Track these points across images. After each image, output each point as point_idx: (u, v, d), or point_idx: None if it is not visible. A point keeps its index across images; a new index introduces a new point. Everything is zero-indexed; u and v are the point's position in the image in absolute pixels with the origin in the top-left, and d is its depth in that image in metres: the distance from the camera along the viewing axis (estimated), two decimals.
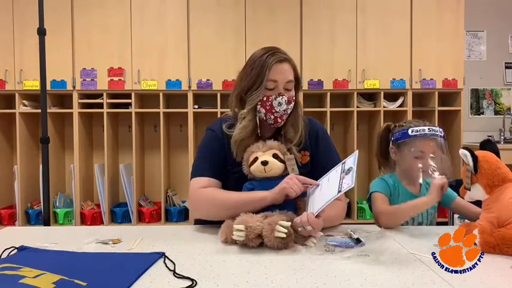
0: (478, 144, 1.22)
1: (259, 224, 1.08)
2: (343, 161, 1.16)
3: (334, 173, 1.16)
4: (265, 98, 1.32)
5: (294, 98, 1.36)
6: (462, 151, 1.14)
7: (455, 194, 1.50)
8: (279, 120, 1.34)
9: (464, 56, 3.67)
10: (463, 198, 1.21)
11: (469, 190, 1.16)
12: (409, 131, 1.42)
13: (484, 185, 1.13)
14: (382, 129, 1.57)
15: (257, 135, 1.36)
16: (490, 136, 3.91)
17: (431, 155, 1.39)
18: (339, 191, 1.08)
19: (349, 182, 1.07)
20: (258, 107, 1.34)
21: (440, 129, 1.42)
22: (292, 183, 1.16)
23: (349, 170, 1.10)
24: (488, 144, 1.20)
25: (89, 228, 1.68)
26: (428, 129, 1.40)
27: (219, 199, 1.29)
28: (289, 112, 1.35)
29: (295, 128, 1.38)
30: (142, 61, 3.43)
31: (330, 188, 1.12)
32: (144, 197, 3.72)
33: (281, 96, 1.31)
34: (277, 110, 1.32)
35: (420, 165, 1.39)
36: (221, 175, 1.37)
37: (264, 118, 1.34)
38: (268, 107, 1.32)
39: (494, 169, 1.12)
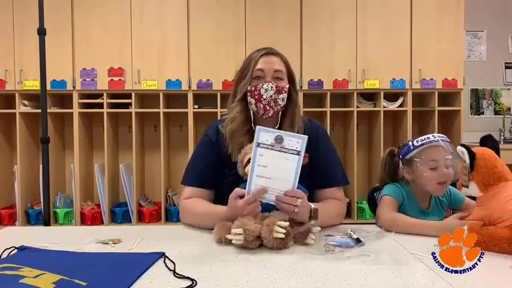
0: (478, 144, 1.23)
1: (257, 226, 1.08)
2: (256, 143, 1.11)
3: (260, 157, 1.11)
4: (253, 88, 1.33)
5: (285, 90, 1.35)
6: (460, 148, 1.15)
7: (463, 196, 1.47)
8: (268, 108, 1.33)
9: (464, 56, 3.66)
10: (459, 190, 1.22)
11: (467, 187, 1.17)
12: (415, 142, 1.38)
13: (479, 183, 1.13)
14: (386, 154, 1.52)
15: (252, 131, 1.36)
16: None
17: (447, 162, 1.34)
18: (299, 152, 1.09)
19: (297, 139, 1.09)
20: (249, 98, 1.34)
21: (443, 135, 1.39)
22: (249, 210, 1.11)
23: (278, 138, 1.10)
24: (488, 141, 1.20)
25: (89, 228, 1.69)
26: (433, 135, 1.37)
27: (197, 211, 1.33)
28: (280, 103, 1.34)
29: (293, 127, 1.37)
30: (143, 61, 3.43)
31: (282, 162, 1.11)
32: (144, 197, 3.72)
33: (267, 83, 1.32)
34: (264, 96, 1.31)
35: (435, 177, 1.34)
36: (210, 183, 1.39)
37: (256, 109, 1.35)
38: (256, 96, 1.32)
39: (491, 168, 1.12)
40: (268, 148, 1.11)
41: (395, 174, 1.49)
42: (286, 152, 1.11)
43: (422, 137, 1.38)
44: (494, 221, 1.08)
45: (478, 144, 1.23)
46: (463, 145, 1.15)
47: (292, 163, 1.10)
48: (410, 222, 1.28)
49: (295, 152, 1.10)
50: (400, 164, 1.44)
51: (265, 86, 1.31)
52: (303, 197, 1.12)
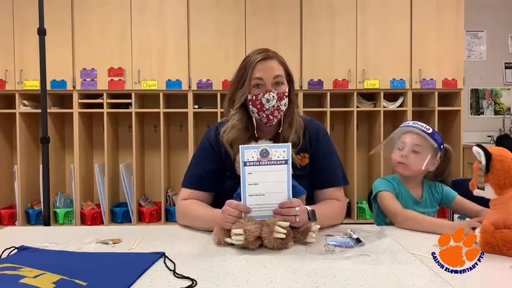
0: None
1: (257, 226, 1.08)
2: (243, 162, 1.11)
3: (249, 176, 1.11)
4: (254, 97, 1.31)
5: (286, 94, 1.33)
6: (476, 149, 1.11)
7: (455, 193, 1.50)
8: (271, 117, 1.31)
9: (464, 56, 3.67)
10: (472, 191, 1.17)
11: (483, 189, 1.12)
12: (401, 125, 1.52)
13: (495, 185, 1.10)
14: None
15: (254, 137, 1.36)
16: (490, 136, 3.91)
17: (415, 148, 1.42)
18: (286, 161, 1.10)
19: (282, 148, 1.10)
20: (250, 106, 1.33)
21: (428, 127, 1.44)
22: (229, 215, 1.12)
23: (263, 153, 1.11)
24: (505, 139, 1.18)
25: (89, 228, 1.68)
26: (413, 122, 1.47)
27: (192, 214, 1.34)
28: (283, 109, 1.33)
29: (292, 126, 1.37)
30: (143, 61, 3.43)
31: (273, 175, 1.11)
32: (144, 197, 3.72)
33: (268, 93, 1.30)
34: (267, 107, 1.30)
35: (397, 156, 1.45)
36: (208, 185, 1.39)
37: (258, 118, 1.33)
38: (258, 106, 1.31)
39: (507, 170, 1.09)
40: (255, 165, 1.11)
41: None
42: (274, 164, 1.11)
43: (407, 122, 1.50)
44: (509, 225, 1.05)
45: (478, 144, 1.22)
46: (479, 145, 1.11)
47: (282, 173, 1.11)
48: (427, 220, 1.30)
49: (283, 162, 1.10)
50: None
51: (266, 96, 1.29)
52: (299, 205, 1.12)
